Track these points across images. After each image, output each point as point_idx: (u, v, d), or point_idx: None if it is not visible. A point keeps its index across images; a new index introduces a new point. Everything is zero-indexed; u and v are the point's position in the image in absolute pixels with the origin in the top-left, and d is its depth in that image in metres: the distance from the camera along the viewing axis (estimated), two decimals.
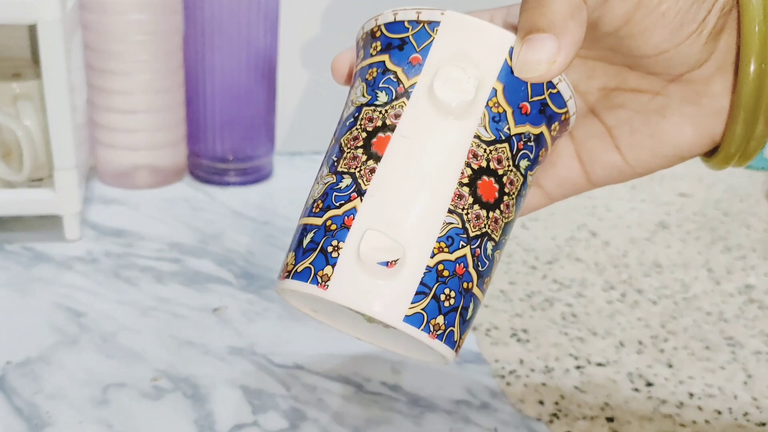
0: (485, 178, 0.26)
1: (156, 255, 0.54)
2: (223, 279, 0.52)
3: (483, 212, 0.26)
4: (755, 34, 0.26)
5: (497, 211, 0.26)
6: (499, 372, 0.44)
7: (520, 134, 0.27)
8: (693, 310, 0.53)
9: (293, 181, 0.70)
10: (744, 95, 0.27)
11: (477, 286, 0.27)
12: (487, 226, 0.26)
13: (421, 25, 0.27)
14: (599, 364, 0.46)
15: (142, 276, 0.51)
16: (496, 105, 0.26)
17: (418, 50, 0.27)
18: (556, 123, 0.28)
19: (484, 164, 0.26)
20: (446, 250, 0.26)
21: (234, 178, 0.68)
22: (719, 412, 0.42)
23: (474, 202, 0.26)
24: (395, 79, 0.27)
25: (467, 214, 0.26)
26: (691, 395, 0.44)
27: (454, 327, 0.26)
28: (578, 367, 0.45)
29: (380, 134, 0.27)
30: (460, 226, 0.26)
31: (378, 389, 0.42)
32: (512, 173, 0.27)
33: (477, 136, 0.26)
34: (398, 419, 0.40)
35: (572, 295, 0.53)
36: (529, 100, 0.27)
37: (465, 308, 0.26)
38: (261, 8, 0.62)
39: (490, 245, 0.27)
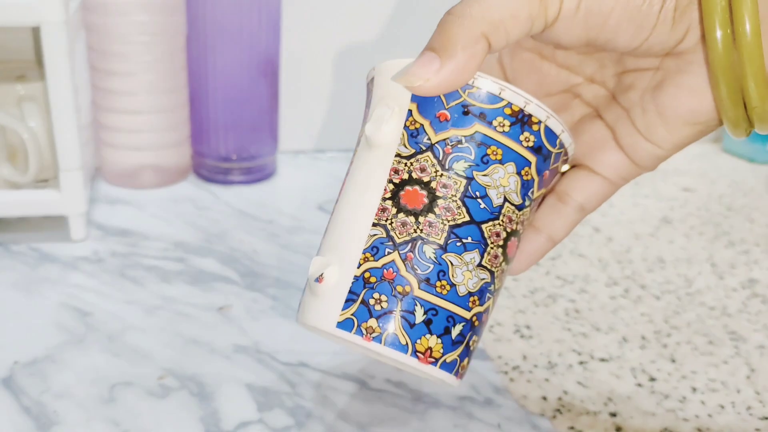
0: (408, 188, 0.28)
1: (161, 254, 0.55)
2: (227, 278, 0.52)
3: (410, 218, 0.28)
4: (716, 3, 0.26)
5: (431, 215, 0.28)
6: (503, 368, 0.44)
7: (443, 140, 0.28)
8: (696, 305, 0.53)
9: (296, 179, 0.71)
10: (715, 63, 0.27)
11: (420, 288, 0.28)
12: (418, 231, 0.28)
13: (370, 81, 0.30)
14: (602, 360, 0.46)
15: (148, 275, 0.52)
16: (413, 122, 0.29)
17: (367, 106, 0.30)
18: (499, 118, 0.28)
19: (405, 176, 0.28)
20: (371, 258, 0.28)
21: (238, 177, 0.68)
22: (722, 407, 0.43)
23: (398, 212, 0.28)
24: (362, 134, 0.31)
25: (391, 223, 0.28)
26: (694, 390, 0.44)
27: (396, 331, 0.28)
28: (581, 363, 0.45)
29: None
30: (384, 235, 0.28)
31: (382, 386, 0.42)
32: (444, 177, 0.28)
33: (398, 155, 0.29)
34: (402, 416, 0.40)
35: (575, 291, 0.54)
36: (446, 107, 0.28)
37: (407, 311, 0.28)
38: (263, 8, 0.62)
39: (428, 248, 0.28)
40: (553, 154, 0.29)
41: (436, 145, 0.28)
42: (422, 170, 0.28)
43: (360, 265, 0.28)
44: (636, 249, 0.61)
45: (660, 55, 0.29)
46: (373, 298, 0.28)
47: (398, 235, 0.28)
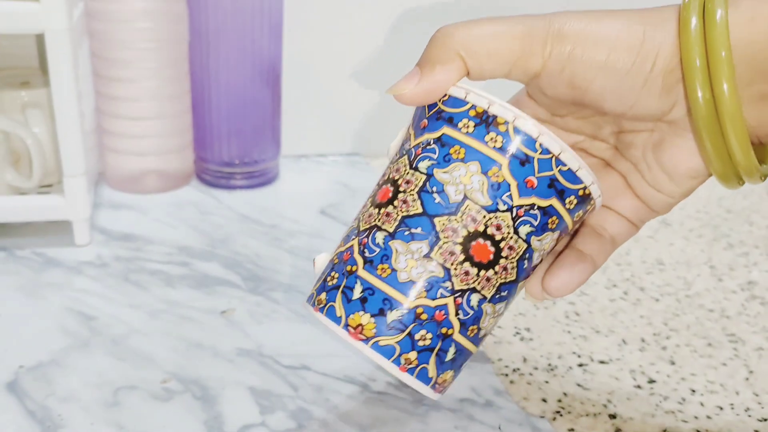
0: (383, 186, 0.32)
1: (165, 259, 0.55)
2: (231, 282, 0.53)
3: (375, 210, 0.31)
4: (695, 66, 0.27)
5: (390, 207, 0.31)
6: (503, 370, 0.45)
7: (418, 144, 0.31)
8: (695, 307, 0.53)
9: (299, 183, 0.71)
10: (699, 122, 0.28)
11: (364, 269, 0.30)
12: (376, 220, 0.31)
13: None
14: (602, 362, 0.46)
15: (152, 279, 0.52)
16: (406, 133, 0.32)
17: None
18: (464, 120, 0.30)
19: (385, 177, 0.31)
20: (341, 245, 0.32)
21: (241, 181, 0.69)
22: (721, 408, 0.43)
23: (370, 206, 0.32)
24: None
25: (363, 216, 0.32)
26: (693, 392, 0.44)
27: (335, 303, 0.31)
28: (581, 365, 0.46)
29: None
30: (355, 226, 0.32)
31: (383, 389, 0.42)
32: (408, 174, 0.31)
33: (390, 162, 0.32)
34: (404, 418, 0.40)
35: (575, 294, 0.54)
36: (426, 116, 0.31)
37: (348, 287, 0.31)
38: (265, 15, 0.63)
39: (379, 234, 0.30)
40: (536, 157, 0.29)
41: (412, 149, 0.31)
42: (397, 171, 0.31)
43: (335, 251, 0.33)
44: (635, 251, 0.61)
45: (651, 120, 0.31)
46: (330, 276, 0.32)
47: (362, 225, 0.32)
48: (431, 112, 0.31)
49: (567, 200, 0.31)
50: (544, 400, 0.42)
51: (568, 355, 0.47)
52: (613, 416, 0.41)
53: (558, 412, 0.42)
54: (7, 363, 0.43)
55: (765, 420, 0.42)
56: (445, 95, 0.30)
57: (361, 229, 0.31)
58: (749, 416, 0.42)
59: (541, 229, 0.31)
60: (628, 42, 0.28)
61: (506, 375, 0.44)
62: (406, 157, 0.31)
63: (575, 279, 0.32)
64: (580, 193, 0.31)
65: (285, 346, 0.46)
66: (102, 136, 0.65)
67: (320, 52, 0.74)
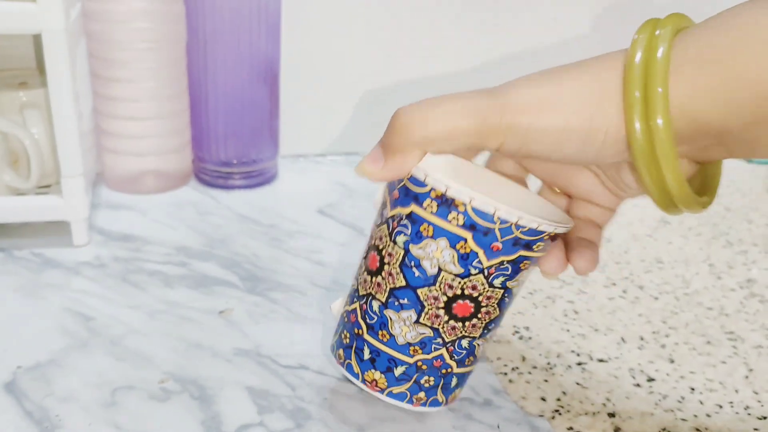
0: (371, 252, 0.37)
1: (163, 259, 0.55)
2: (229, 282, 0.53)
3: (369, 278, 0.36)
4: (635, 98, 0.29)
5: (379, 277, 0.36)
6: (502, 369, 0.45)
7: (392, 216, 0.35)
8: (694, 305, 0.53)
9: (298, 183, 0.71)
10: (636, 152, 0.30)
11: (368, 333, 0.36)
12: (371, 288, 0.36)
13: None
14: (601, 360, 0.46)
15: (150, 280, 0.52)
16: (383, 198, 0.36)
17: None
18: (427, 200, 0.34)
19: (371, 243, 0.37)
20: (347, 304, 0.38)
21: (239, 181, 0.69)
22: (720, 406, 0.43)
23: (363, 271, 0.37)
24: None
25: (359, 279, 0.38)
26: (693, 390, 0.44)
27: (352, 361, 0.37)
28: (580, 364, 0.46)
29: None
30: (355, 287, 0.38)
31: None
32: (390, 247, 0.35)
33: (374, 224, 0.37)
34: (402, 417, 0.40)
35: (574, 292, 0.54)
36: (396, 188, 0.35)
37: (359, 349, 0.37)
38: (262, 15, 0.63)
39: (375, 303, 0.36)
40: (496, 228, 0.33)
41: (389, 219, 0.35)
42: (380, 239, 0.36)
43: (345, 307, 0.39)
44: (634, 250, 0.61)
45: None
46: (343, 334, 0.38)
47: (361, 289, 0.37)
48: (400, 185, 0.34)
49: (534, 247, 0.34)
50: (543, 399, 0.42)
51: (566, 354, 0.47)
52: (612, 415, 0.41)
53: (557, 410, 0.41)
54: (5, 363, 0.43)
55: (764, 418, 0.42)
56: (410, 174, 0.34)
57: (360, 293, 0.37)
58: (749, 414, 0.42)
59: (515, 274, 0.35)
60: (578, 125, 0.29)
61: (505, 374, 0.44)
62: (385, 226, 0.35)
63: (595, 257, 0.37)
64: (545, 238, 0.34)
65: (283, 345, 0.46)
66: (100, 137, 0.65)
67: (319, 51, 0.74)
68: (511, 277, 0.35)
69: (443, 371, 0.37)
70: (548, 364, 0.46)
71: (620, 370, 0.45)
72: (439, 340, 0.35)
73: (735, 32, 0.27)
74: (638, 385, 0.44)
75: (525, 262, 0.34)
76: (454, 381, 0.38)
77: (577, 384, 0.44)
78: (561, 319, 0.50)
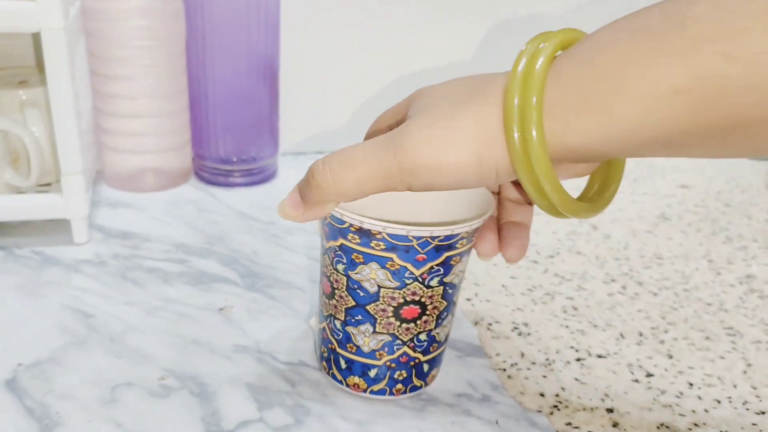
0: (323, 279, 0.41)
1: (162, 256, 0.55)
2: (228, 279, 0.53)
3: (327, 300, 0.40)
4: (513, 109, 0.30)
5: (334, 300, 0.40)
6: (500, 365, 0.45)
7: (329, 248, 0.39)
8: (693, 300, 0.53)
9: (297, 181, 0.71)
10: (515, 161, 0.30)
11: (339, 348, 0.41)
12: (331, 309, 0.40)
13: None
14: (599, 356, 0.46)
15: (149, 277, 0.52)
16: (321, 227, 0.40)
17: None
18: (350, 234, 0.37)
19: (322, 269, 0.40)
20: (322, 323, 0.42)
21: (239, 179, 0.69)
22: (719, 402, 0.43)
23: (322, 295, 0.41)
24: None
25: (321, 301, 0.42)
26: (691, 385, 0.44)
27: (334, 371, 0.42)
28: (579, 360, 0.46)
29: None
30: (320, 307, 0.42)
31: None
32: (335, 274, 0.39)
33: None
34: (401, 413, 0.40)
35: (573, 289, 0.54)
36: (325, 223, 0.38)
37: (335, 361, 0.41)
38: (261, 12, 0.63)
39: (337, 322, 0.40)
40: (414, 245, 0.36)
41: (327, 250, 0.39)
42: (326, 267, 0.40)
43: (318, 323, 0.43)
44: (633, 246, 0.61)
45: None
46: (322, 348, 0.43)
47: (324, 310, 0.41)
48: (326, 222, 0.38)
49: (458, 245, 0.37)
50: (542, 395, 0.42)
51: (565, 350, 0.47)
52: (610, 410, 0.41)
53: (555, 406, 0.42)
54: (5, 361, 0.43)
55: (763, 413, 0.42)
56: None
57: (325, 314, 0.41)
58: (747, 409, 0.42)
59: (448, 270, 0.38)
60: (470, 165, 0.31)
61: (504, 370, 0.45)
62: (327, 256, 0.39)
63: (524, 244, 0.38)
64: (464, 235, 0.37)
65: (282, 342, 0.46)
66: (100, 135, 0.65)
67: (318, 49, 0.74)
68: (445, 274, 0.38)
69: (411, 363, 0.40)
70: (547, 359, 0.46)
71: (619, 366, 0.45)
72: (399, 341, 0.39)
73: (609, 81, 0.28)
74: (637, 380, 0.44)
75: (454, 258, 0.37)
76: (426, 367, 0.41)
77: (576, 380, 0.44)
78: (560, 315, 0.50)
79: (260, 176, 0.70)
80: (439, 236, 0.36)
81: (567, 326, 0.49)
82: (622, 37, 0.28)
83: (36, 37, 0.64)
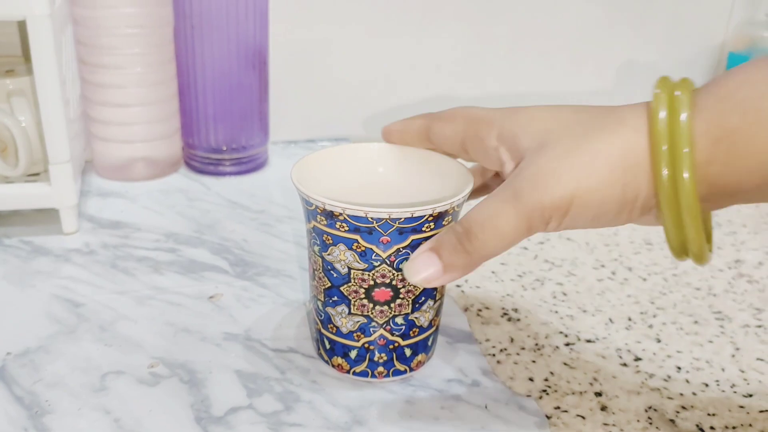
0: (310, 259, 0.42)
1: (153, 245, 0.55)
2: (218, 267, 0.53)
3: (312, 282, 0.41)
4: (663, 180, 0.30)
5: (315, 281, 0.41)
6: (490, 351, 0.45)
7: (308, 229, 0.40)
8: (682, 285, 0.53)
9: (288, 169, 0.71)
10: (661, 197, 0.31)
11: (322, 328, 0.42)
12: (314, 291, 0.41)
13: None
14: (588, 341, 0.46)
15: (139, 266, 0.52)
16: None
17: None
18: (318, 216, 0.38)
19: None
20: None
21: (229, 168, 0.69)
22: (706, 385, 0.43)
23: (309, 276, 0.42)
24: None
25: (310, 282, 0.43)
26: (679, 369, 0.44)
27: (321, 351, 0.43)
28: (568, 344, 0.46)
29: None
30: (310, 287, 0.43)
31: None
32: (314, 256, 0.40)
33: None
34: (390, 399, 0.40)
35: (563, 274, 0.54)
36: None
37: (320, 341, 0.42)
38: None
39: (319, 303, 0.41)
40: (375, 226, 0.36)
41: (307, 232, 0.40)
42: (308, 249, 0.41)
43: (309, 304, 0.45)
44: (623, 232, 0.61)
45: None
46: (312, 329, 0.45)
47: (310, 292, 0.42)
48: (302, 202, 0.39)
49: (424, 228, 0.37)
50: (531, 380, 0.43)
51: (554, 335, 0.47)
52: (599, 394, 0.42)
53: (544, 390, 0.42)
54: None
55: (750, 396, 0.42)
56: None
57: (311, 295, 0.42)
58: (735, 392, 0.43)
59: None
60: (612, 199, 0.31)
61: (493, 355, 0.45)
62: (307, 238, 0.40)
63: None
64: (429, 219, 0.36)
65: (272, 329, 0.46)
66: (89, 124, 0.65)
67: (308, 37, 0.74)
68: None
69: (390, 347, 0.41)
70: (536, 345, 0.46)
71: (608, 350, 0.46)
72: (374, 323, 0.40)
73: (748, 113, 0.29)
74: (625, 364, 0.44)
75: (422, 242, 0.37)
76: (408, 351, 0.41)
77: (565, 364, 0.44)
78: (550, 301, 0.51)
79: (251, 165, 0.70)
80: (399, 218, 0.36)
81: (556, 312, 0.49)
82: (759, 75, 0.29)
83: (22, 25, 0.63)
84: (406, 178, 0.43)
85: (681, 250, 0.33)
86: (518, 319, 0.48)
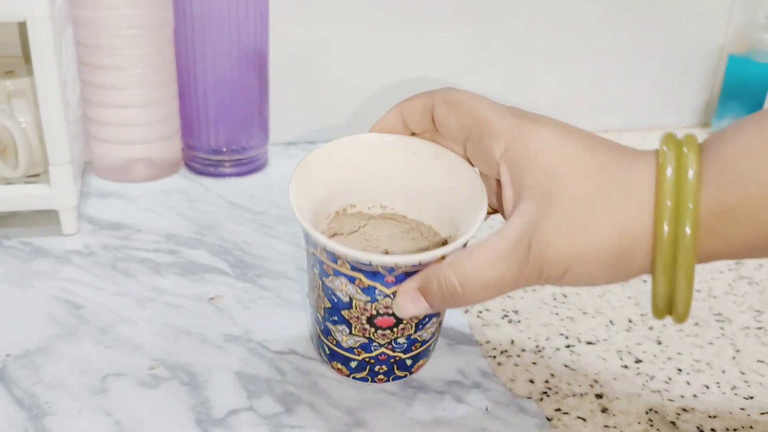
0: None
1: (153, 247, 0.55)
2: (218, 269, 0.53)
3: (310, 294, 0.41)
4: (663, 236, 0.31)
5: (316, 297, 0.40)
6: (490, 352, 0.45)
7: (308, 252, 0.39)
8: None
9: (288, 170, 0.70)
10: (658, 253, 0.31)
11: (322, 337, 0.41)
12: (315, 305, 0.41)
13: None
14: (589, 343, 0.46)
15: (140, 268, 0.52)
16: None
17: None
18: (319, 248, 0.37)
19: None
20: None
21: (229, 169, 0.69)
22: (707, 387, 0.43)
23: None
24: None
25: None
26: (680, 371, 0.44)
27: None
28: (568, 346, 0.46)
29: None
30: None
31: None
32: (314, 276, 0.39)
33: None
34: (391, 401, 0.40)
35: None
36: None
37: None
38: (250, 0, 0.62)
39: (318, 315, 0.40)
40: (379, 269, 0.35)
41: (307, 251, 0.39)
42: (308, 265, 0.40)
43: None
44: None
45: None
46: (314, 331, 0.43)
47: (310, 297, 0.42)
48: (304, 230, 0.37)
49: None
50: (531, 381, 0.43)
51: (555, 337, 0.47)
52: (599, 396, 0.42)
53: (545, 392, 0.42)
54: None
55: (751, 398, 0.42)
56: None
57: (310, 299, 0.42)
58: (735, 394, 0.43)
59: None
60: (606, 270, 0.32)
61: (494, 357, 0.45)
62: (308, 258, 0.39)
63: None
64: (435, 262, 0.34)
65: (272, 331, 0.46)
66: (88, 125, 0.65)
67: (308, 38, 0.74)
68: None
69: (392, 360, 0.40)
70: (537, 346, 0.46)
71: (608, 352, 0.46)
72: (375, 343, 0.39)
73: (749, 188, 0.29)
74: (626, 366, 0.44)
75: None
76: (409, 361, 0.41)
77: (566, 366, 0.44)
78: (550, 303, 0.51)
79: (251, 166, 0.70)
80: (407, 264, 0.35)
81: (557, 313, 0.49)
82: (756, 143, 0.30)
83: (22, 26, 0.63)
84: (415, 173, 0.41)
85: (665, 309, 0.33)
86: (519, 321, 0.48)
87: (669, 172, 0.31)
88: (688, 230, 0.30)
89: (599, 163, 0.33)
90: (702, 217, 0.30)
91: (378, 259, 0.34)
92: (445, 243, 0.41)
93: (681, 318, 0.32)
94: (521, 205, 0.33)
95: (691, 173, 0.30)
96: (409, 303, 0.35)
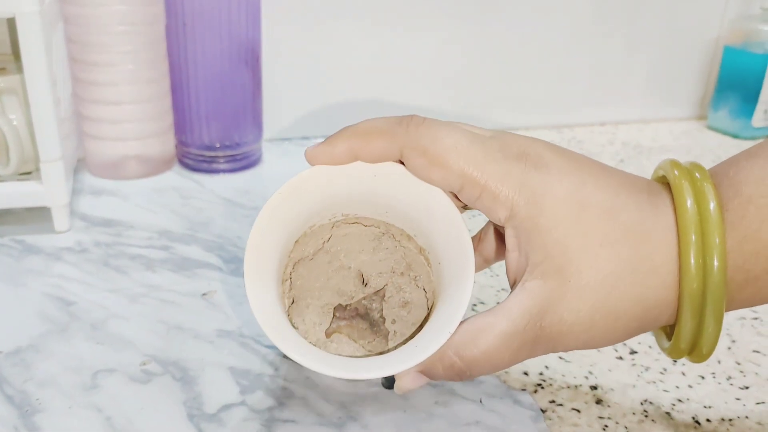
0: None
1: (145, 243, 0.55)
2: (211, 264, 0.52)
3: None
4: (691, 269, 0.29)
5: None
6: None
7: None
8: None
9: (282, 166, 0.71)
10: (685, 290, 0.30)
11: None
12: None
13: None
14: None
15: (132, 264, 0.52)
16: None
17: None
18: None
19: None
20: None
21: (223, 165, 0.68)
22: (702, 377, 0.43)
23: None
24: None
25: None
26: (675, 361, 0.44)
27: None
28: None
29: None
30: None
31: None
32: None
33: None
34: (384, 394, 0.40)
35: None
36: None
37: None
38: None
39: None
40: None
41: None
42: None
43: None
44: None
45: None
46: None
47: None
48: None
49: None
50: (526, 374, 0.42)
51: None
52: (594, 387, 0.41)
53: (539, 384, 0.42)
54: None
55: (746, 388, 0.42)
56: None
57: None
58: (731, 385, 0.42)
59: None
60: (626, 338, 0.31)
61: None
62: None
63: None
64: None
65: None
66: (81, 122, 0.65)
67: (300, 33, 0.73)
68: None
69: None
70: None
71: None
72: None
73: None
74: (621, 357, 0.44)
75: None
76: None
77: (560, 358, 0.44)
78: None
79: (244, 162, 0.69)
80: (388, 375, 0.32)
81: None
82: None
83: (11, 23, 0.63)
84: (380, 193, 0.36)
85: (686, 349, 0.31)
86: None
87: (689, 204, 0.29)
88: (716, 263, 0.28)
89: (618, 231, 0.30)
90: (728, 291, 0.29)
91: (373, 375, 0.32)
92: (421, 251, 0.37)
93: (701, 359, 0.31)
94: (530, 283, 0.30)
95: (712, 206, 0.29)
96: (409, 383, 0.33)
